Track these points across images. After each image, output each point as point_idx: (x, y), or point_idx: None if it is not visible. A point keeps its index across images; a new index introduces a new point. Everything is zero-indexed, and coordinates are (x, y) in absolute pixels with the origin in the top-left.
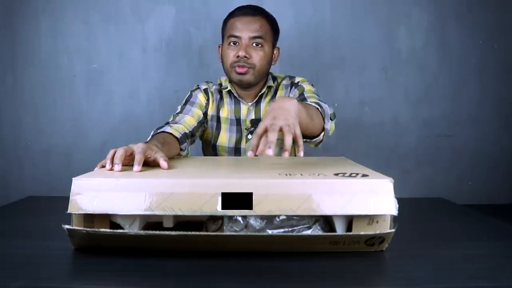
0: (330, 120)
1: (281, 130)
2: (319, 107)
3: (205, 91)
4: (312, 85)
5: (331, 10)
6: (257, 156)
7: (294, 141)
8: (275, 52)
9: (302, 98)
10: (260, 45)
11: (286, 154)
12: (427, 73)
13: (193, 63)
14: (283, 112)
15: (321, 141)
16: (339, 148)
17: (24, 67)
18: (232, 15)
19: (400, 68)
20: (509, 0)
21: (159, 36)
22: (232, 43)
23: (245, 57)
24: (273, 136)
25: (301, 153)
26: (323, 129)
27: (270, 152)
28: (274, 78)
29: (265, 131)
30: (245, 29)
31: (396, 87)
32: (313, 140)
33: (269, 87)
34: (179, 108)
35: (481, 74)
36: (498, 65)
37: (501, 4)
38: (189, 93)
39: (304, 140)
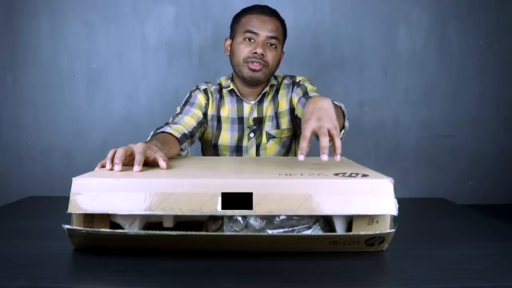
0: (347, 119)
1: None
2: (340, 106)
3: (205, 91)
4: (312, 84)
5: (331, 10)
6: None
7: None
8: (281, 55)
9: (308, 98)
10: (274, 46)
11: (337, 158)
12: (427, 73)
13: (193, 63)
14: (325, 113)
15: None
16: None
17: (24, 67)
18: (248, 11)
19: (400, 68)
20: (509, 0)
21: (159, 36)
22: (247, 38)
23: (262, 54)
24: (326, 142)
25: (338, 157)
26: (343, 127)
27: (325, 157)
28: (275, 77)
29: (313, 133)
30: (263, 27)
31: (396, 87)
32: None
33: (271, 86)
34: (178, 109)
35: (481, 75)
36: (498, 65)
37: (501, 4)
38: (188, 94)
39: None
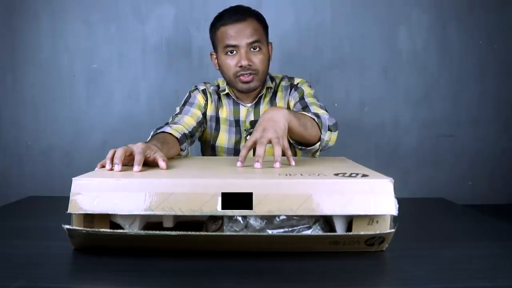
0: (329, 131)
1: (270, 142)
2: (315, 118)
3: (204, 92)
4: (310, 86)
5: (332, 10)
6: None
7: (284, 153)
8: (269, 48)
9: (303, 104)
10: (258, 48)
11: (277, 164)
12: (427, 73)
13: (193, 63)
14: (273, 124)
15: (317, 150)
16: (339, 148)
17: (24, 67)
18: (221, 22)
19: (401, 68)
20: (509, 0)
21: (159, 36)
22: (229, 52)
23: (249, 65)
24: (260, 151)
25: (292, 163)
26: (319, 140)
27: (258, 165)
28: (272, 79)
29: (255, 143)
30: (241, 36)
31: (397, 87)
32: (308, 148)
33: (268, 88)
34: (177, 109)
35: (481, 75)
36: (498, 65)
37: (501, 5)
38: (188, 94)
39: (300, 147)
